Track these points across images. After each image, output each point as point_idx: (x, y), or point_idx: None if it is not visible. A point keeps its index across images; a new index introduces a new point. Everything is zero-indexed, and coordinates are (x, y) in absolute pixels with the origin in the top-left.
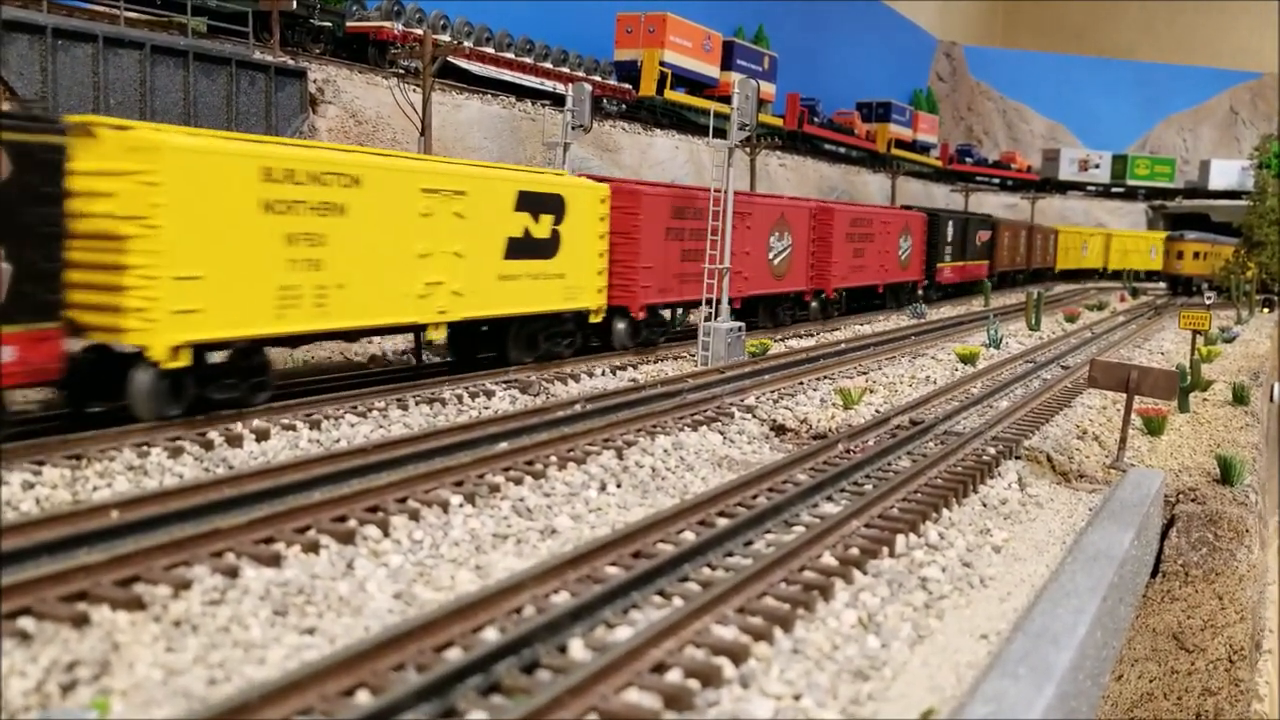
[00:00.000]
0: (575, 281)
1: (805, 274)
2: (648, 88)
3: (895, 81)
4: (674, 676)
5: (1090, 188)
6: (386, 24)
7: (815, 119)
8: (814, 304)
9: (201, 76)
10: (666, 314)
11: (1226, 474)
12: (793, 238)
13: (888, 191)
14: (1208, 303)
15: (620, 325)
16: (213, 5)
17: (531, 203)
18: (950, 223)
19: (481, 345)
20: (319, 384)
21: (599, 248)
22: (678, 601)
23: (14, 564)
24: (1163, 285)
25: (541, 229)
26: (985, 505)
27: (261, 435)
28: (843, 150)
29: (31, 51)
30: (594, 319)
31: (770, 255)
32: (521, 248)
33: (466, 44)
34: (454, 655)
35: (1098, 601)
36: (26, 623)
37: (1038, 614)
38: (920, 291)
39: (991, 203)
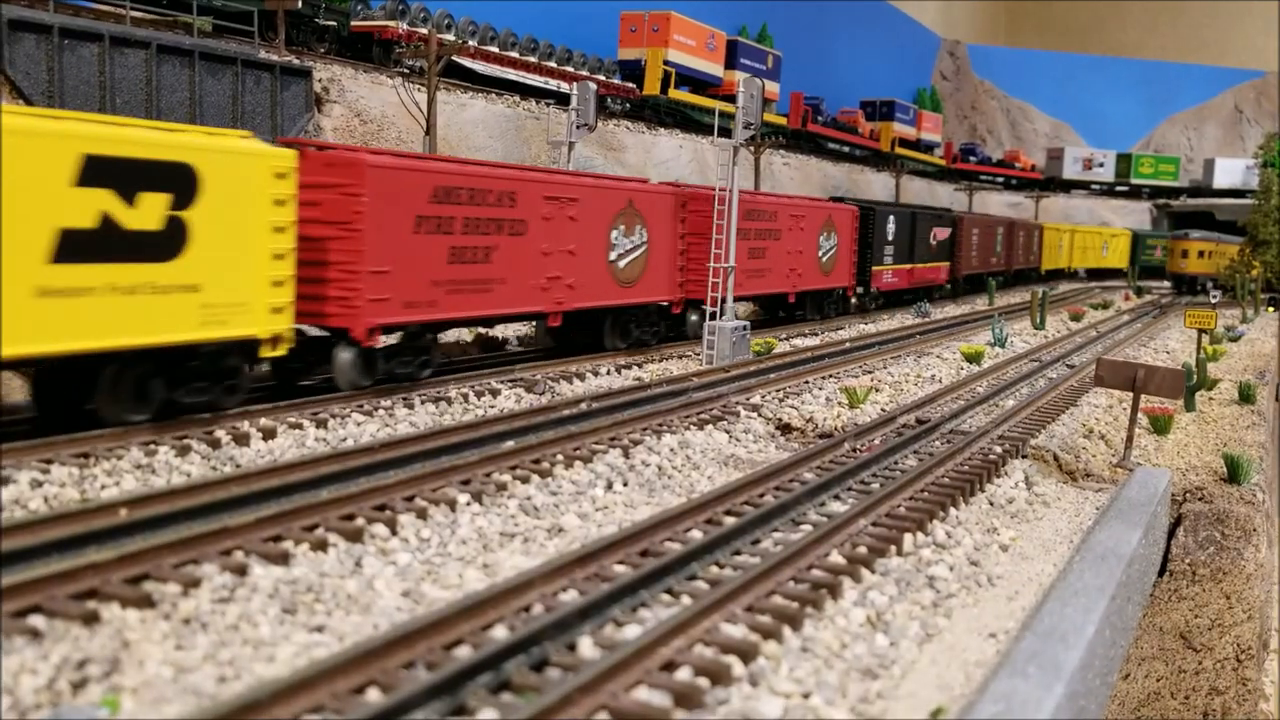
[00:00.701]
0: (222, 295)
1: (670, 280)
2: (652, 87)
3: (899, 80)
4: (684, 675)
5: (1094, 187)
6: (391, 23)
7: (819, 118)
8: (693, 317)
9: (207, 76)
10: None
11: (1233, 473)
12: (649, 234)
13: (892, 190)
14: (1213, 302)
15: (345, 355)
16: (218, 4)
17: (117, 174)
18: (891, 218)
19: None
20: (323, 384)
21: (274, 245)
22: (686, 600)
23: (23, 562)
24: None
25: (143, 216)
26: (992, 504)
27: (268, 434)
28: (847, 149)
29: (38, 51)
30: (269, 351)
31: (612, 256)
32: (95, 245)
33: (471, 43)
34: (463, 653)
35: (1106, 600)
36: (37, 620)
37: (1046, 613)
38: (854, 300)
39: (995, 202)
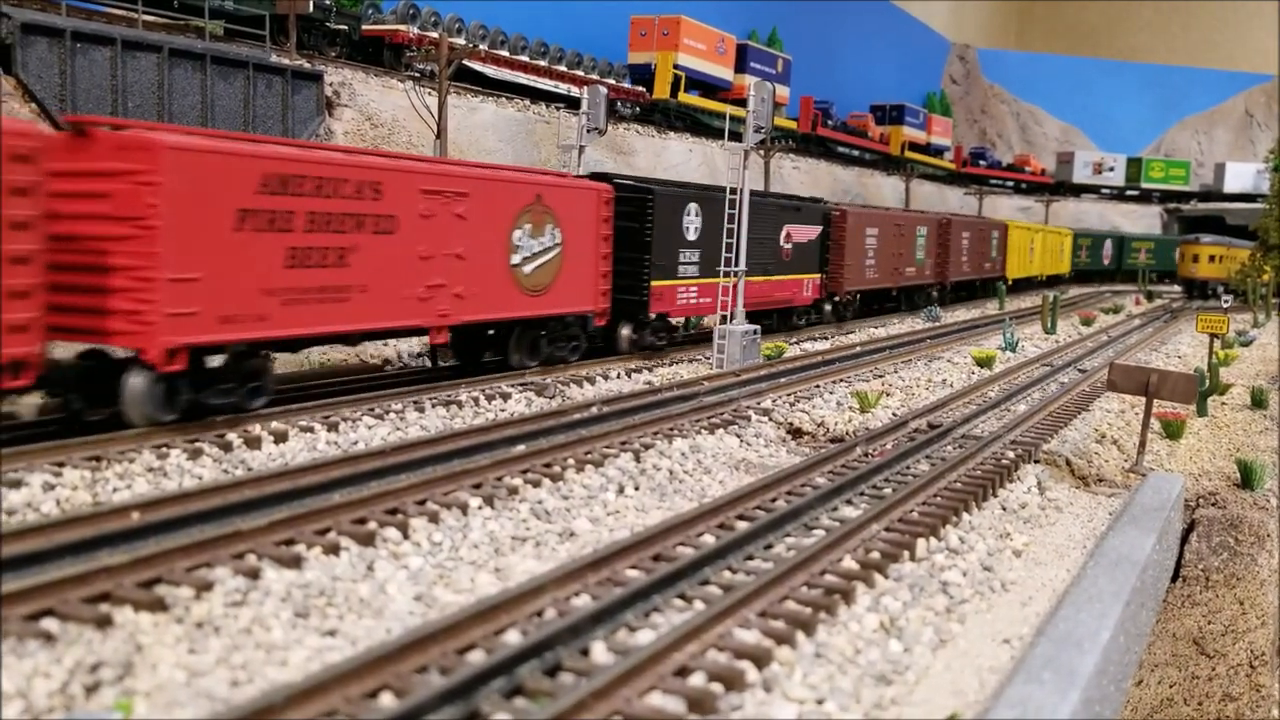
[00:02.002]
0: None
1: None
2: (662, 90)
3: (909, 84)
4: (697, 680)
5: (1105, 191)
6: (402, 27)
7: (829, 122)
8: (134, 380)
9: (219, 79)
10: None
11: (1247, 478)
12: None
13: (901, 194)
14: (1225, 306)
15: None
16: (230, 9)
17: None
18: (695, 207)
19: None
20: (335, 386)
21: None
22: (699, 605)
23: (36, 565)
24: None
25: None
26: (1005, 509)
27: (279, 437)
28: (856, 153)
29: (51, 54)
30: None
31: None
32: None
33: (482, 47)
34: (477, 658)
35: (1121, 606)
36: (50, 624)
37: (1061, 618)
38: (625, 336)
39: (1006, 206)
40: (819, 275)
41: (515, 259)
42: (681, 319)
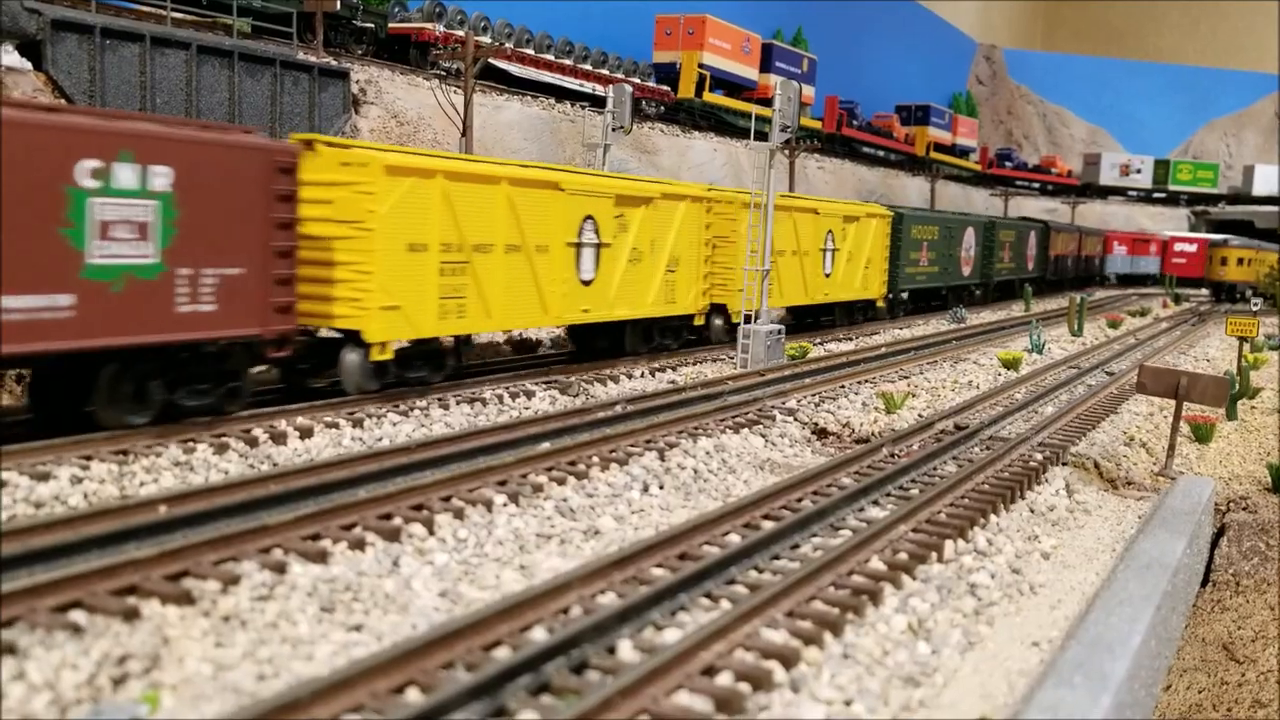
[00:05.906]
0: None
1: None
2: (686, 90)
3: (934, 84)
4: (724, 679)
5: (1132, 193)
6: (428, 26)
7: (854, 122)
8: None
9: (246, 76)
10: None
11: (1278, 483)
12: None
13: (927, 195)
14: (1254, 309)
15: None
16: (257, 6)
17: None
18: None
19: None
20: None
21: None
22: (725, 604)
23: (64, 557)
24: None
25: None
26: (1033, 511)
27: (305, 433)
28: (881, 153)
29: (80, 51)
30: None
31: None
32: None
33: (507, 45)
34: (503, 654)
35: (1152, 610)
36: (78, 616)
37: (1092, 622)
38: None
39: (1032, 208)
40: None
41: None
42: None
